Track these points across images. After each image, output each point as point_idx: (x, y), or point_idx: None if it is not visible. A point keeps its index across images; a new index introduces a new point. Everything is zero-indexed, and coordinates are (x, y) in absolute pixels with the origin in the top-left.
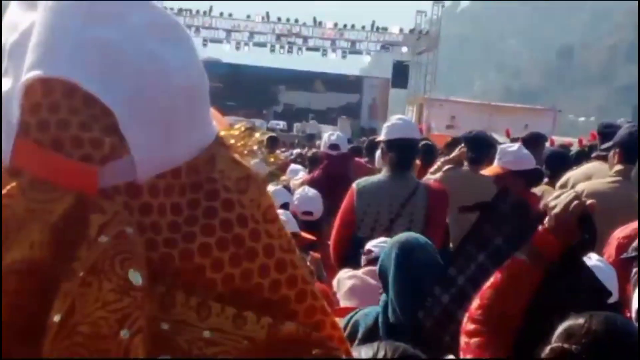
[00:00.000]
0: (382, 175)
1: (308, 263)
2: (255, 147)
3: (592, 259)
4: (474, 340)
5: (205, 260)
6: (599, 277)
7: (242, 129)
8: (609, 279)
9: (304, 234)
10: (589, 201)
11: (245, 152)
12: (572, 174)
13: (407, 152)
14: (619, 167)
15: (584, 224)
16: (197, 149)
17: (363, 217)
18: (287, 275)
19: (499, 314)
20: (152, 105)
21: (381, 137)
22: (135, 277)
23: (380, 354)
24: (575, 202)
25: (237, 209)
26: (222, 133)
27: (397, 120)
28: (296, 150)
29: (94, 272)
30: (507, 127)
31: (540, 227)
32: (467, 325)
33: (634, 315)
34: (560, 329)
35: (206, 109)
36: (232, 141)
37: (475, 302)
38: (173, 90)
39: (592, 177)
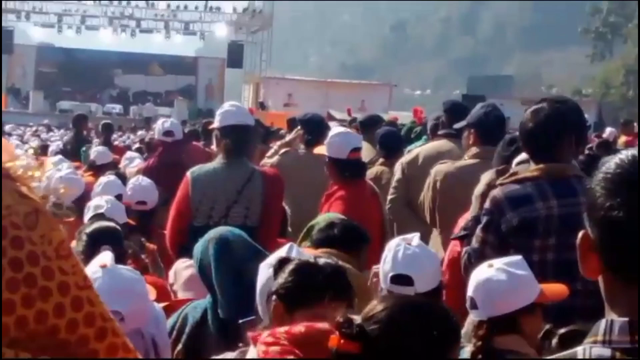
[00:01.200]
0: (217, 162)
1: (143, 256)
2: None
3: (412, 245)
4: None
5: None
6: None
7: (30, 157)
8: (426, 266)
9: (129, 220)
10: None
11: (34, 183)
12: (421, 150)
13: (241, 138)
14: (474, 149)
15: None
16: None
17: (199, 206)
18: (85, 313)
19: None
20: None
21: (215, 124)
22: None
23: None
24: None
25: (27, 247)
26: (8, 164)
27: (230, 106)
28: (132, 136)
29: None
30: (344, 104)
31: None
32: None
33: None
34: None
35: None
36: (19, 172)
37: None
38: None
39: (444, 156)
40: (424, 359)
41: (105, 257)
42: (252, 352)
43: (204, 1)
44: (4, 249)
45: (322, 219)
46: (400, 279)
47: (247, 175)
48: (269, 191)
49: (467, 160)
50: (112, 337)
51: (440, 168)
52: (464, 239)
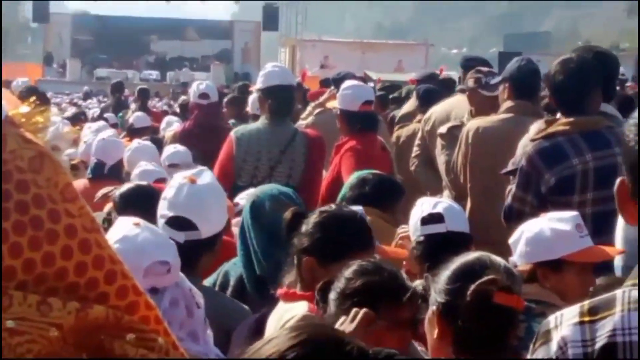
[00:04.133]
0: (261, 122)
1: None
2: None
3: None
4: None
5: (2, 247)
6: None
7: (33, 105)
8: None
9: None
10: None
11: (38, 128)
12: (433, 110)
13: (285, 99)
14: (509, 103)
15: None
16: None
17: (242, 165)
18: (93, 255)
19: None
20: None
21: (258, 85)
22: None
23: None
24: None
25: (33, 190)
26: (12, 112)
27: (272, 67)
28: (171, 102)
29: None
30: (381, 64)
31: None
32: None
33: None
34: None
35: None
36: (23, 120)
37: None
38: None
39: (452, 112)
40: None
41: (131, 218)
42: (280, 307)
43: None
44: (9, 192)
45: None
46: (431, 219)
47: (290, 136)
48: (311, 152)
49: (501, 114)
50: (121, 279)
51: (473, 122)
52: (513, 174)
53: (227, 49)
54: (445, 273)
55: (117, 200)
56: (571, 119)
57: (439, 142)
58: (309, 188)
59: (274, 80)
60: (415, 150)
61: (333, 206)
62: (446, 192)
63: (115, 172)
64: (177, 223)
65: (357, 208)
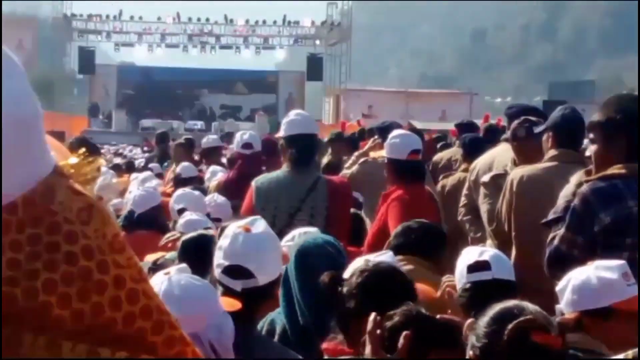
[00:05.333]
0: (282, 171)
1: None
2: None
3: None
4: None
5: (51, 297)
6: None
7: (82, 157)
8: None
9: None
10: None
11: (87, 179)
12: (479, 160)
13: (307, 148)
14: (553, 151)
15: None
16: (32, 181)
17: (261, 213)
18: (141, 306)
19: None
20: None
21: (280, 133)
22: None
23: None
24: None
25: (82, 241)
26: (62, 163)
27: (295, 116)
28: None
29: None
30: (425, 114)
31: None
32: None
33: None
34: None
35: (40, 139)
36: (72, 171)
37: None
38: (1, 122)
39: (495, 161)
40: None
41: (178, 267)
42: None
43: (283, 15)
44: (58, 243)
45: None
46: (477, 266)
47: (311, 184)
48: (333, 199)
49: (545, 163)
50: (169, 330)
51: (518, 171)
52: (553, 223)
53: (272, 100)
54: (484, 319)
55: (178, 248)
56: (628, 164)
57: (482, 190)
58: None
59: (296, 129)
60: (462, 200)
61: (370, 263)
62: (489, 242)
63: (145, 220)
64: (234, 272)
65: (387, 255)
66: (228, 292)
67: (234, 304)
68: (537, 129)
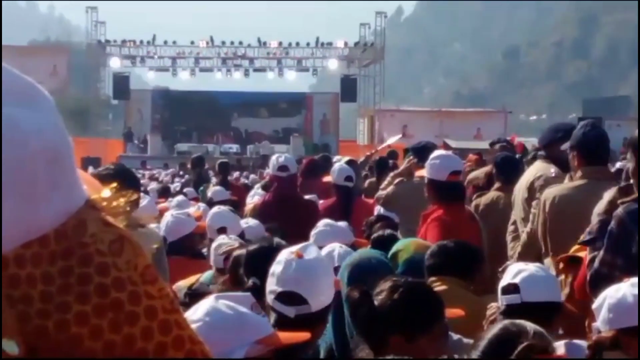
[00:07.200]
0: None
1: None
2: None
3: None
4: None
5: (83, 329)
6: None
7: (114, 190)
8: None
9: None
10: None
11: (118, 212)
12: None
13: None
14: (581, 169)
15: None
16: (64, 214)
17: None
18: (173, 336)
19: None
20: (8, 174)
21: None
22: (10, 347)
23: None
24: None
25: (113, 273)
26: (93, 196)
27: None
28: (252, 176)
29: None
30: (460, 133)
31: None
32: None
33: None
34: None
35: (71, 172)
36: (104, 203)
37: None
38: (30, 156)
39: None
40: None
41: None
42: None
43: (316, 37)
44: (89, 275)
45: (405, 245)
46: (508, 289)
47: None
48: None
49: (576, 181)
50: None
51: (550, 191)
52: (590, 244)
53: (307, 121)
54: (476, 352)
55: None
56: None
57: (519, 209)
58: None
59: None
60: (511, 220)
61: (401, 279)
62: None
63: (176, 248)
64: (287, 298)
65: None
66: (281, 318)
67: (302, 336)
68: (563, 147)
